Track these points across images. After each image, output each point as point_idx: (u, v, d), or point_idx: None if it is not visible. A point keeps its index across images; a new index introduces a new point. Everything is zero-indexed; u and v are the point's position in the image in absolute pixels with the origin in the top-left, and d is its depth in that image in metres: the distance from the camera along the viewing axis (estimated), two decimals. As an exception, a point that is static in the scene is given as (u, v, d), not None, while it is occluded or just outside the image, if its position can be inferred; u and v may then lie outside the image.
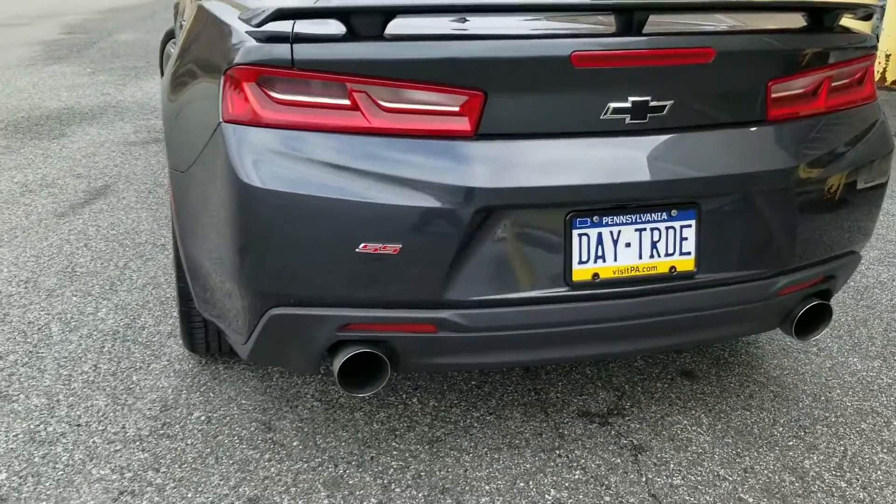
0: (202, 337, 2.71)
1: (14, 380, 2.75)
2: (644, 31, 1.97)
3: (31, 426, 2.51)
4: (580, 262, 2.02)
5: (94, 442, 2.44)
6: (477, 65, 1.89)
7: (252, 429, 2.51)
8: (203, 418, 2.56)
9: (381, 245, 1.89)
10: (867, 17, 2.31)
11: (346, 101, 1.89)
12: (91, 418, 2.55)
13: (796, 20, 2.26)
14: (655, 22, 2.04)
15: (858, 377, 2.87)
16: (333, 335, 2.01)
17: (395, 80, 1.88)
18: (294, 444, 2.45)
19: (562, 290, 2.03)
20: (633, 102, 1.96)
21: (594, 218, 2.01)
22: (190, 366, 2.85)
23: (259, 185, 1.88)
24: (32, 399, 2.65)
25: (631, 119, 1.98)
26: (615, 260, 2.05)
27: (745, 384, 2.81)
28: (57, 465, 2.33)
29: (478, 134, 1.93)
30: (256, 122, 1.90)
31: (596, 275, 2.04)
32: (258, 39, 1.90)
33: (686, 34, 2.08)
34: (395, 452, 2.41)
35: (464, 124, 1.92)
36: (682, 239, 2.08)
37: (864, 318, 3.30)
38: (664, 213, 2.06)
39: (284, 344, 2.08)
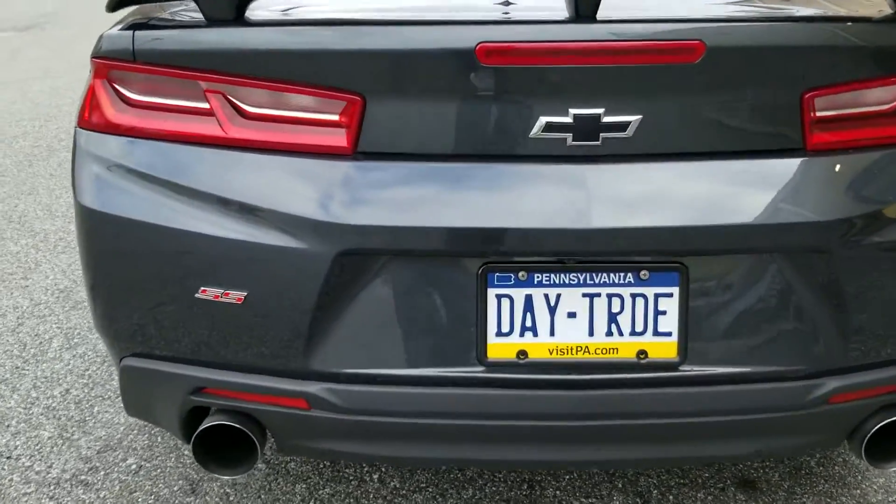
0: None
1: (-18, 397, 2.58)
2: (601, 15, 1.37)
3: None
4: (499, 335, 1.45)
5: (10, 480, 2.18)
6: (351, 59, 1.39)
7: (175, 488, 2.14)
8: (134, 467, 2.23)
9: (221, 291, 1.44)
10: None
11: (203, 104, 1.46)
12: (25, 451, 2.31)
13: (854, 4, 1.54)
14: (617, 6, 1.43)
15: None
16: (188, 399, 1.58)
17: (253, 77, 1.43)
18: (209, 510, 2.04)
19: (472, 371, 1.47)
20: (577, 117, 1.37)
21: (520, 275, 1.43)
22: (157, 402, 2.53)
23: (93, 206, 1.51)
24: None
25: (575, 140, 1.39)
26: (552, 335, 1.45)
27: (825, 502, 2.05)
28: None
29: (357, 152, 1.42)
30: (107, 129, 1.54)
31: (522, 353, 1.46)
32: (116, 27, 1.54)
33: (659, 20, 1.44)
34: (315, 539, 1.94)
35: (338, 139, 1.43)
36: (659, 313, 1.45)
37: None
38: (630, 275, 1.44)
39: (146, 400, 1.68)
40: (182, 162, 1.48)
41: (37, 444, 2.34)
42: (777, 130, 1.44)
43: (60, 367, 2.76)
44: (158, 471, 2.21)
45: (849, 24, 1.49)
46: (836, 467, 2.21)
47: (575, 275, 1.44)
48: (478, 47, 1.35)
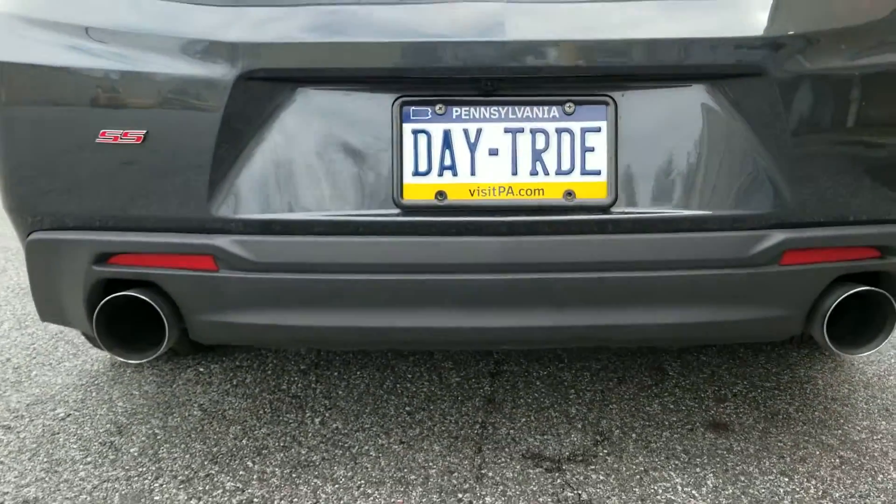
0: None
1: None
2: None
3: None
4: (416, 174, 1.36)
5: (-71, 427, 2.04)
6: None
7: (101, 430, 1.99)
8: (62, 415, 2.09)
9: (119, 132, 1.36)
10: None
11: None
12: (-49, 405, 2.16)
13: None
14: None
15: None
16: (92, 270, 1.47)
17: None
18: (131, 450, 1.89)
19: (387, 214, 1.36)
20: None
21: (437, 108, 1.35)
22: (100, 367, 2.40)
23: None
24: None
25: (491, -41, 1.32)
26: (473, 174, 1.36)
27: (802, 444, 1.87)
28: None
29: (261, -22, 1.36)
30: None
31: (441, 193, 1.35)
32: None
33: None
34: (240, 472, 1.78)
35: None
36: (586, 150, 1.35)
37: None
38: (555, 109, 1.35)
39: (53, 284, 1.57)
40: (91, 8, 1.42)
41: (-33, 399, 2.20)
42: None
43: (7, 343, 2.65)
44: (85, 418, 2.07)
45: None
46: (816, 412, 2.05)
47: (496, 108, 1.35)
48: None
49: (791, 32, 1.35)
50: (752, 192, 1.38)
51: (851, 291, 1.44)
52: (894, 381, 2.21)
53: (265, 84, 1.34)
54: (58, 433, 1.99)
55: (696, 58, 1.33)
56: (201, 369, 2.35)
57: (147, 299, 1.44)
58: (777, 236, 1.39)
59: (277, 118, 1.36)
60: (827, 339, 1.48)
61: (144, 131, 1.37)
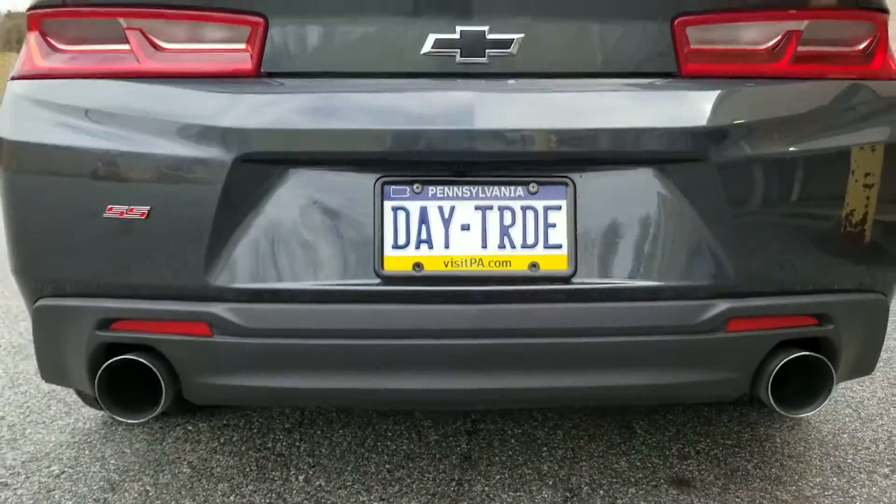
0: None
1: None
2: None
3: None
4: (396, 247, 1.50)
5: (-73, 484, 2.12)
6: None
7: (94, 487, 2.09)
8: (56, 472, 2.18)
9: (126, 207, 1.50)
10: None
11: (122, 46, 1.59)
12: (-52, 462, 2.25)
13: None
14: None
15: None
16: (94, 335, 1.60)
17: (164, 8, 1.56)
18: (124, 505, 1.98)
19: (369, 284, 1.50)
20: (464, 34, 1.49)
21: (415, 187, 1.50)
22: (92, 425, 2.50)
23: (11, 136, 1.60)
24: None
25: (463, 57, 1.50)
26: (446, 247, 1.50)
27: (758, 500, 2.00)
28: None
29: (260, 72, 1.53)
30: (35, 75, 1.65)
31: (418, 265, 1.50)
32: None
33: None
34: (229, 526, 1.87)
35: (243, 62, 1.54)
36: (549, 226, 1.51)
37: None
38: (520, 189, 1.51)
39: (58, 348, 1.69)
40: (99, 93, 1.58)
41: (-37, 457, 2.29)
42: (653, 53, 1.55)
43: (0, 401, 2.73)
44: (80, 475, 2.16)
45: None
46: (773, 469, 2.18)
47: (467, 188, 1.51)
48: None
49: (728, 123, 1.52)
50: (699, 265, 1.53)
51: (791, 357, 1.59)
52: (847, 439, 2.34)
53: (259, 165, 1.49)
54: (53, 490, 2.08)
55: (644, 145, 1.49)
56: (190, 427, 2.44)
57: (147, 363, 1.56)
58: (722, 305, 1.54)
59: (270, 195, 1.51)
60: (771, 400, 1.62)
61: (149, 207, 1.51)
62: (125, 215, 1.51)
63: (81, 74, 1.60)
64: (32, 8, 1.65)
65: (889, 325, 1.76)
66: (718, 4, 1.57)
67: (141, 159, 1.50)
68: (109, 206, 1.52)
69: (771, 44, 1.60)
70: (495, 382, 1.57)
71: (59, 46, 1.63)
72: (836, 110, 1.62)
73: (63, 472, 2.18)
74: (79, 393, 2.35)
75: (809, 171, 1.56)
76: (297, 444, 2.31)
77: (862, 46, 1.67)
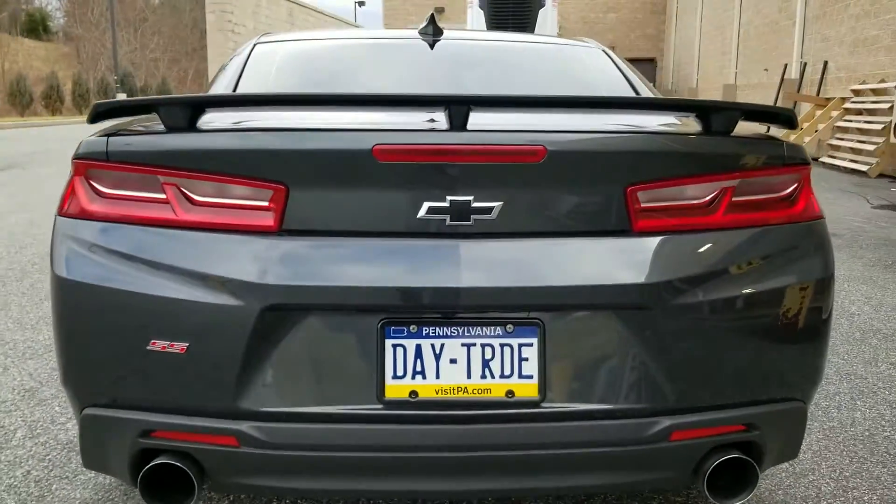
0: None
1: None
2: (470, 125, 1.81)
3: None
4: (395, 377, 1.80)
5: (-29, 544, 2.40)
6: (276, 157, 1.81)
7: (122, 547, 2.37)
8: (85, 531, 2.46)
9: (168, 343, 1.79)
10: (790, 125, 2.01)
11: (160, 195, 1.86)
12: (-14, 520, 2.52)
13: (687, 124, 2.01)
14: (498, 118, 1.89)
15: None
16: (137, 442, 1.89)
17: (200, 171, 1.83)
18: (151, 568, 2.27)
19: (372, 408, 1.80)
20: (452, 202, 1.79)
21: (411, 328, 1.80)
22: (111, 481, 2.78)
23: (65, 275, 1.86)
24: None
25: (452, 220, 1.80)
26: (437, 377, 1.81)
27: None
28: None
29: (282, 230, 1.82)
30: (81, 215, 1.91)
31: (414, 392, 1.80)
32: (93, 135, 1.95)
33: (511, 131, 1.88)
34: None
35: (267, 219, 1.82)
36: (522, 359, 1.81)
37: None
38: (498, 329, 1.82)
39: (102, 448, 1.97)
40: (141, 239, 1.86)
41: (-3, 514, 2.57)
42: (609, 215, 1.86)
43: (23, 452, 3.00)
44: (108, 534, 2.45)
45: (661, 137, 1.96)
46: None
47: (455, 328, 1.82)
48: (374, 148, 1.77)
49: (671, 277, 1.83)
50: (646, 390, 1.86)
51: (721, 460, 1.92)
52: (780, 496, 2.69)
53: (282, 312, 1.78)
54: (85, 550, 2.37)
55: (601, 298, 1.81)
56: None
57: (184, 467, 1.86)
58: (665, 422, 1.87)
59: (290, 334, 1.80)
60: (707, 493, 1.95)
61: (187, 344, 1.80)
62: (166, 349, 1.80)
63: (124, 220, 1.88)
64: (78, 158, 1.92)
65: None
66: (665, 174, 1.88)
67: (179, 305, 1.79)
68: (152, 341, 1.80)
69: (707, 198, 1.92)
70: (478, 485, 1.90)
71: (104, 191, 1.90)
72: (764, 253, 1.94)
73: (92, 532, 2.46)
74: None
75: (738, 310, 1.89)
76: None
77: (787, 192, 1.99)
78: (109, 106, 1.86)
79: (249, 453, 1.83)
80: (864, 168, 12.74)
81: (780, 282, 1.92)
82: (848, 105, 14.47)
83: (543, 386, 1.82)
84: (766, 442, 1.98)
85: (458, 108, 1.78)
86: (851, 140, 13.79)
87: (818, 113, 15.35)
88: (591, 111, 2.11)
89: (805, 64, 17.30)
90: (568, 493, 2.06)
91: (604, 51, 3.16)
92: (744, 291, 1.89)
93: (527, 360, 1.82)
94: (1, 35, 38.90)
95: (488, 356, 1.82)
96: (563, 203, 1.85)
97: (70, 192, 1.94)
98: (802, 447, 3.02)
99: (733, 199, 1.93)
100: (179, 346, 1.79)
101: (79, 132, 19.44)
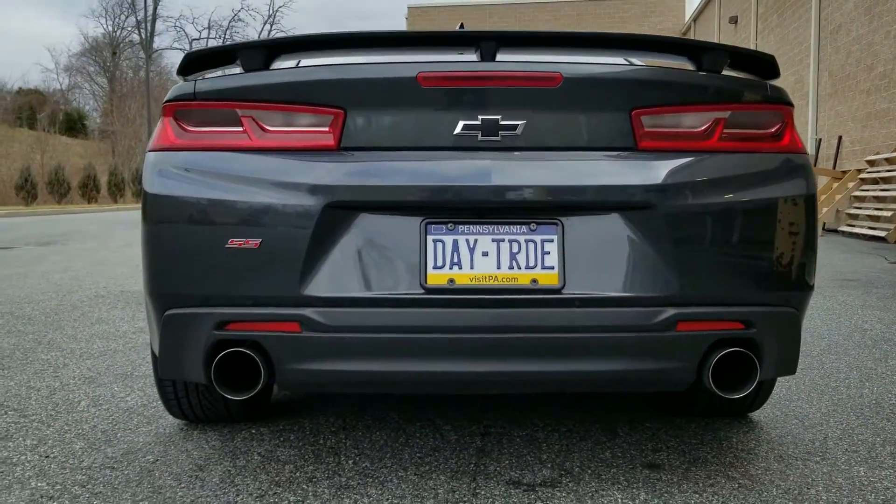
0: (175, 401, 2.92)
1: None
2: (499, 57, 2.16)
3: (7, 455, 2.79)
4: (435, 267, 2.10)
5: (50, 467, 2.67)
6: (336, 86, 2.17)
7: (185, 468, 2.63)
8: (151, 460, 2.73)
9: (244, 240, 2.11)
10: (771, 70, 2.35)
11: (238, 127, 2.22)
12: (60, 452, 2.80)
13: (684, 64, 2.36)
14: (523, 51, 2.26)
15: (855, 483, 2.52)
16: (212, 334, 2.18)
17: (273, 102, 2.19)
18: (213, 480, 2.53)
19: (416, 293, 2.10)
20: (483, 120, 2.12)
21: (449, 226, 2.11)
22: (172, 430, 3.05)
23: (154, 191, 2.20)
24: (27, 440, 2.96)
25: (483, 136, 2.13)
26: (472, 268, 2.10)
27: (713, 477, 2.55)
28: (5, 474, 2.57)
29: (340, 147, 2.16)
30: (170, 149, 2.27)
31: (451, 280, 2.10)
32: (181, 83, 2.33)
33: (533, 62, 2.24)
34: (299, 491, 2.43)
35: (328, 140, 2.17)
36: (545, 253, 2.11)
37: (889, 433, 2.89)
38: (524, 227, 2.12)
39: (180, 347, 2.27)
40: (221, 160, 2.20)
41: (70, 451, 2.84)
42: (617, 134, 2.19)
43: (89, 415, 3.28)
44: (172, 461, 2.70)
45: (660, 70, 2.30)
46: (727, 457, 2.72)
47: (486, 226, 2.13)
48: (418, 75, 2.13)
49: (670, 182, 2.14)
50: (654, 282, 2.13)
51: (724, 352, 2.17)
52: (790, 439, 2.90)
53: (340, 210, 2.11)
54: (152, 470, 2.62)
55: (610, 198, 2.12)
56: (254, 430, 3.00)
57: (252, 353, 2.15)
58: (671, 311, 2.13)
59: (347, 231, 2.11)
60: (712, 384, 2.20)
61: (260, 240, 2.12)
62: (242, 246, 2.12)
63: (207, 148, 2.23)
64: (168, 101, 2.29)
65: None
66: (664, 100, 2.21)
67: (254, 207, 2.11)
68: (231, 240, 2.13)
69: (703, 127, 2.24)
70: (505, 367, 2.15)
71: (189, 129, 2.26)
72: (753, 171, 2.25)
73: (157, 461, 2.72)
74: (165, 402, 2.91)
75: (733, 217, 2.18)
76: (344, 441, 2.87)
77: (774, 129, 2.31)
78: (199, 54, 2.24)
79: (309, 337, 2.12)
80: (882, 234, 12.96)
81: (768, 193, 2.21)
82: (864, 175, 14.81)
83: (563, 276, 2.11)
84: (764, 341, 2.23)
85: (488, 43, 2.14)
86: (869, 208, 14.06)
87: (835, 185, 15.69)
88: (604, 50, 2.46)
89: (820, 140, 17.76)
90: (584, 382, 2.27)
91: None
92: (735, 199, 2.18)
93: (549, 253, 2.11)
94: (40, 133, 40.92)
95: (515, 250, 2.12)
96: (577, 123, 2.19)
97: (160, 131, 2.30)
98: (812, 408, 3.23)
99: (725, 130, 2.24)
100: (254, 242, 2.11)
101: (111, 217, 19.85)
